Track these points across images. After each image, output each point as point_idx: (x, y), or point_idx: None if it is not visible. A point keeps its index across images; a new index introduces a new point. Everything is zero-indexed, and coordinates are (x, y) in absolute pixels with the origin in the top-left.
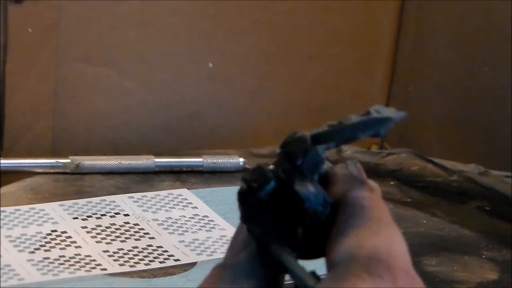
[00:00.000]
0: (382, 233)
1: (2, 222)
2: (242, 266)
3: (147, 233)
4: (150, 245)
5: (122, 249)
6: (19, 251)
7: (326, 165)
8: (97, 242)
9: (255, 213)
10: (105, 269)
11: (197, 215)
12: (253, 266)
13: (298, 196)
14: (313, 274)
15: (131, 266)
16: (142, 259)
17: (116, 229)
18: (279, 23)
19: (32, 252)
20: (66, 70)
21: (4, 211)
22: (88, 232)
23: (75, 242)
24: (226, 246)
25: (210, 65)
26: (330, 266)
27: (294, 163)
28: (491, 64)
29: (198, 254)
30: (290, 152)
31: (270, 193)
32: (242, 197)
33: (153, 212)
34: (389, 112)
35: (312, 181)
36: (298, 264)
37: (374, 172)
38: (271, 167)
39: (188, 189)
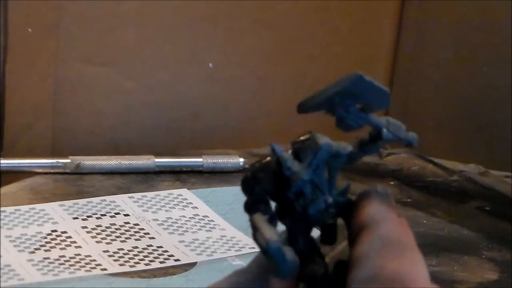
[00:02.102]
0: (405, 258)
1: (2, 222)
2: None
3: (147, 233)
4: (150, 245)
5: (122, 249)
6: (19, 251)
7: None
8: (97, 242)
9: (258, 202)
10: (105, 269)
11: (197, 215)
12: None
13: (279, 163)
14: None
15: (131, 266)
16: (142, 259)
17: (116, 229)
18: (279, 23)
19: (32, 252)
20: (66, 70)
21: (4, 211)
22: (88, 232)
23: (75, 242)
24: (226, 246)
25: (210, 65)
26: (350, 284)
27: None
28: (491, 64)
29: (198, 254)
30: (292, 142)
31: (271, 183)
32: (246, 185)
33: (153, 212)
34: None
35: (307, 168)
36: (268, 224)
37: (374, 172)
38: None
39: (188, 189)
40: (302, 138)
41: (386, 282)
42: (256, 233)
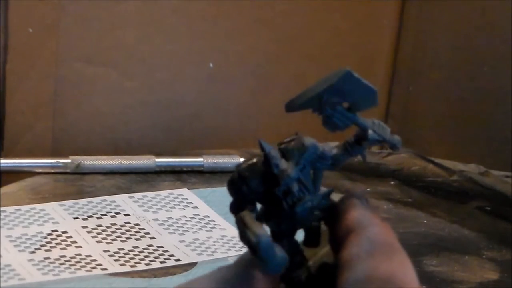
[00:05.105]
0: (395, 259)
1: (2, 222)
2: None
3: (148, 233)
4: (151, 245)
5: (122, 249)
6: (20, 251)
7: (333, 198)
8: (98, 242)
9: (244, 202)
10: (105, 269)
11: (197, 215)
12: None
13: (268, 161)
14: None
15: (131, 266)
16: (142, 259)
17: (117, 229)
18: (279, 23)
19: (33, 252)
20: (66, 70)
21: (4, 211)
22: (88, 232)
23: (75, 242)
24: (226, 246)
25: (210, 65)
26: (342, 286)
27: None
28: (491, 64)
29: (198, 254)
30: (280, 143)
31: (258, 182)
32: (232, 186)
33: (153, 212)
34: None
35: (296, 164)
36: (256, 221)
37: (374, 172)
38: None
39: (188, 189)
40: (288, 139)
41: (379, 283)
42: (245, 230)
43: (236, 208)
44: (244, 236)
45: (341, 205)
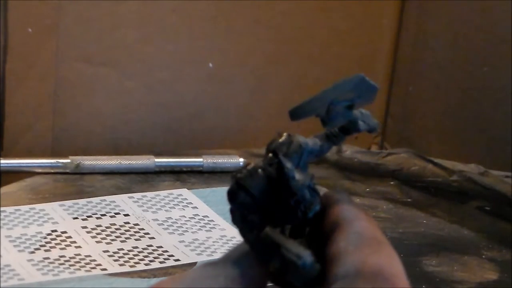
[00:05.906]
0: (383, 253)
1: (2, 222)
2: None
3: (147, 233)
4: (150, 245)
5: (122, 249)
6: (19, 251)
7: (320, 190)
8: (97, 242)
9: (245, 212)
10: (105, 269)
11: (197, 215)
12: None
13: (283, 173)
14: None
15: (131, 266)
16: (142, 259)
17: (116, 229)
18: (279, 23)
19: (32, 252)
20: (66, 70)
21: (4, 211)
22: (88, 232)
23: (75, 242)
24: (226, 246)
25: (210, 65)
26: (332, 280)
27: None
28: (491, 64)
29: (198, 254)
30: (275, 147)
31: (261, 190)
32: (232, 195)
33: (153, 212)
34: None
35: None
36: (287, 237)
37: (374, 172)
38: (260, 164)
39: (188, 189)
40: (281, 140)
41: (369, 276)
42: (278, 250)
43: (241, 220)
44: (275, 256)
45: (324, 201)
